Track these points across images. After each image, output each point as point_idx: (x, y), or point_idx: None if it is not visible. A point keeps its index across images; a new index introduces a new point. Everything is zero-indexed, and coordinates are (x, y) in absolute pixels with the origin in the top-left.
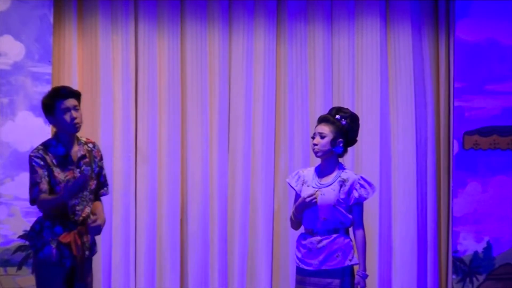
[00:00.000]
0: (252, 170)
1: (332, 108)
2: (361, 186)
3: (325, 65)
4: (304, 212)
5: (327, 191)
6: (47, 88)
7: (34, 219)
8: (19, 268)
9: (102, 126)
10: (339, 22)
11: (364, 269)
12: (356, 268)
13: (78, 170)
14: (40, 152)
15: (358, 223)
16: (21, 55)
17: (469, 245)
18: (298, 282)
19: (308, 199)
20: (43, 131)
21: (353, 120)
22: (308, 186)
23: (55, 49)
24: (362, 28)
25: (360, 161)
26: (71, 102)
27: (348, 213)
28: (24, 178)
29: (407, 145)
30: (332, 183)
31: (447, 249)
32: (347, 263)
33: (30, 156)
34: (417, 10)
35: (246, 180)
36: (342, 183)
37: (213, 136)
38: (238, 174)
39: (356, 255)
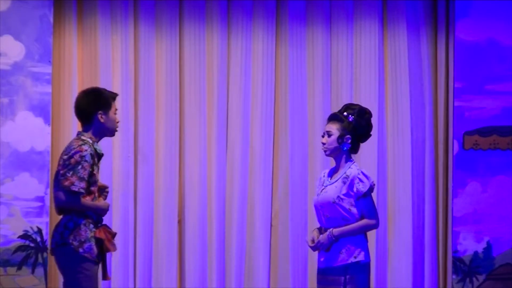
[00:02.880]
0: (250, 170)
1: (343, 106)
2: (360, 180)
3: (323, 66)
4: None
5: (330, 188)
6: (47, 88)
7: (34, 219)
8: (19, 268)
9: None
10: (337, 24)
11: (337, 234)
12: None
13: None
14: (91, 148)
15: (368, 215)
16: (21, 55)
17: (469, 245)
18: (317, 280)
19: (310, 245)
20: (43, 131)
21: (360, 115)
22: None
23: (55, 49)
24: (361, 29)
25: (358, 161)
26: None
27: (352, 209)
28: (24, 178)
29: (406, 145)
30: (337, 180)
31: (446, 249)
32: (352, 260)
33: (82, 149)
34: (417, 10)
35: (244, 181)
36: (346, 179)
37: (211, 137)
38: (236, 174)
39: (363, 253)
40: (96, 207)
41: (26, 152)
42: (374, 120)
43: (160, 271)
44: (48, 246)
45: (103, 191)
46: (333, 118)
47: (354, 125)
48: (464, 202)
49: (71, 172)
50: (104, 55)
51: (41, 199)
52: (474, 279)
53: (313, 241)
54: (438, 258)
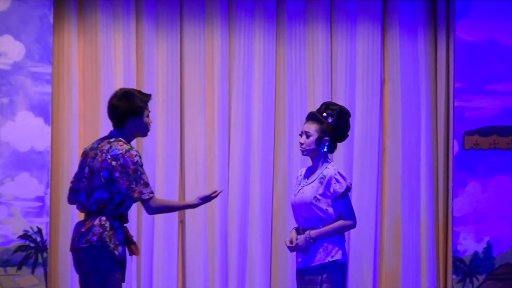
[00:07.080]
0: (251, 170)
1: (322, 104)
2: (337, 181)
3: (323, 66)
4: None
5: (307, 189)
6: (47, 88)
7: (34, 219)
8: (19, 268)
9: (103, 126)
10: (338, 23)
11: (314, 236)
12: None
13: None
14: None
15: (345, 216)
16: (21, 55)
17: (469, 245)
18: (296, 281)
19: (288, 245)
20: (43, 131)
21: (340, 117)
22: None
23: (55, 49)
24: (361, 29)
25: (358, 162)
26: None
27: (329, 209)
28: (24, 178)
29: (405, 145)
30: (314, 181)
31: (446, 249)
32: (329, 259)
33: (132, 155)
34: (417, 10)
35: (245, 181)
36: (322, 179)
37: (212, 136)
38: (237, 174)
39: (340, 252)
40: (177, 206)
41: (26, 152)
42: (376, 120)
43: (161, 271)
44: (71, 243)
45: None
46: (312, 118)
47: (333, 127)
48: (464, 202)
49: (134, 183)
50: (105, 54)
51: (41, 199)
52: (474, 279)
53: (291, 242)
54: (438, 258)
